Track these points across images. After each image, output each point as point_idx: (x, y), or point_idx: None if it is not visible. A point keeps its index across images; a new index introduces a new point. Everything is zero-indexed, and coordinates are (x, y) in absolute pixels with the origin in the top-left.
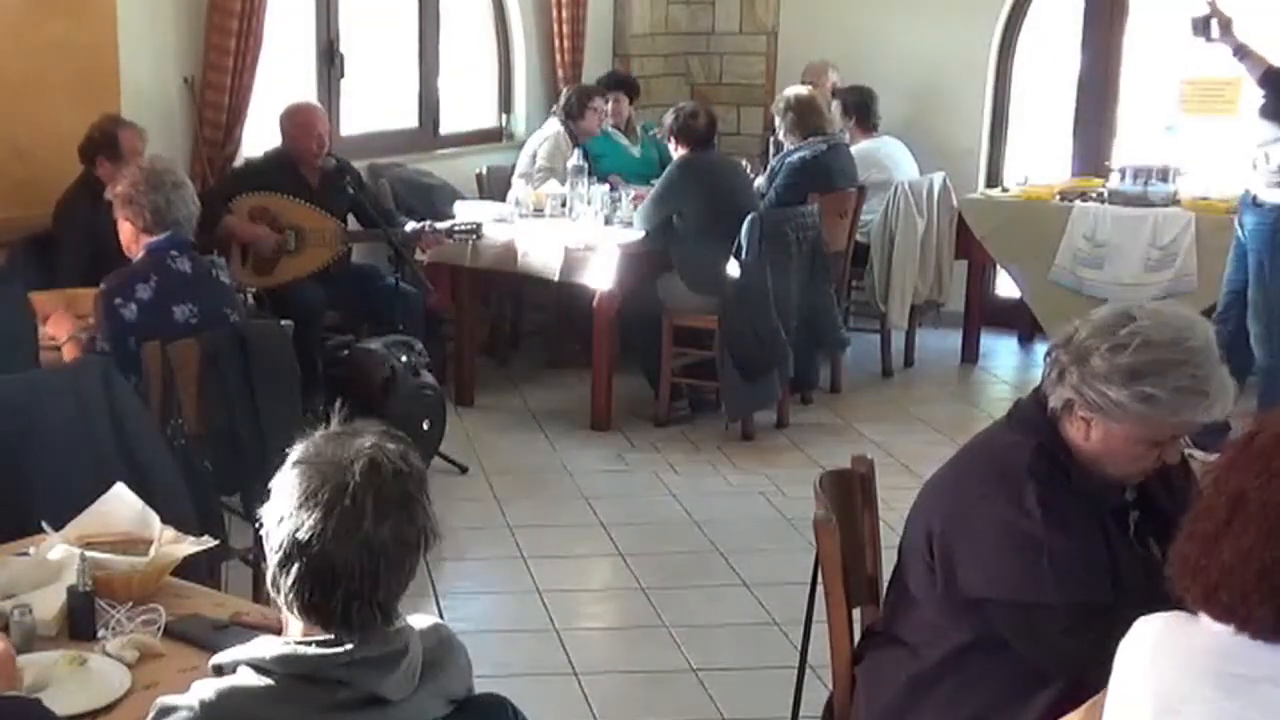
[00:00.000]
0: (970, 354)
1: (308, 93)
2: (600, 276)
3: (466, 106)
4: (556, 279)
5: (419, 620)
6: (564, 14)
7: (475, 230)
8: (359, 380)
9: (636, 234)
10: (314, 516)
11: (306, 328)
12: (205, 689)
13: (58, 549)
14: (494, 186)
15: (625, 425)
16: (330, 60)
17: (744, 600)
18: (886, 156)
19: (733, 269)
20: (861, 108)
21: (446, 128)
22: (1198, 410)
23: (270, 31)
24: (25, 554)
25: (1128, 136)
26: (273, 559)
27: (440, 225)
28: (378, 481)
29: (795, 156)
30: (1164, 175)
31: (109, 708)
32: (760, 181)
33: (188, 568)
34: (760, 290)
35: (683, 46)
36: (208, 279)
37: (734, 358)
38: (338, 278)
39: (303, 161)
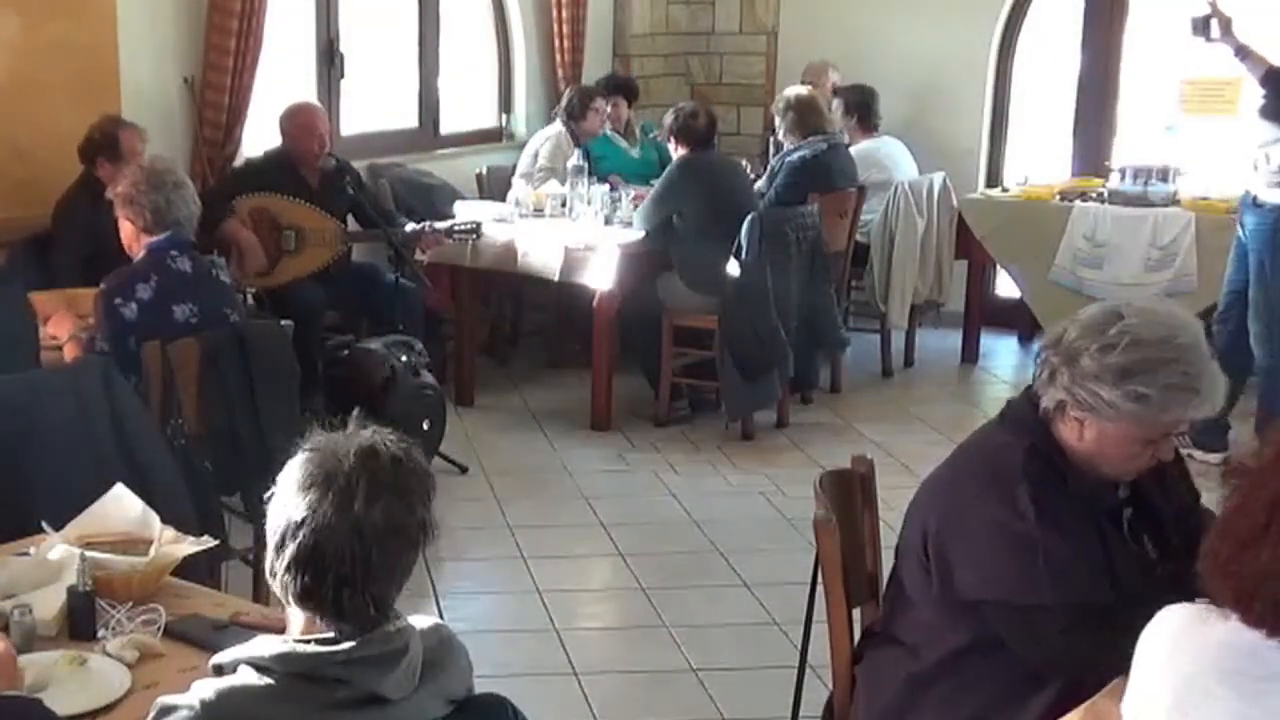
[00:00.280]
0: (970, 354)
1: (308, 93)
2: (600, 276)
3: (466, 106)
4: (556, 279)
5: (419, 620)
6: (564, 14)
7: (475, 230)
8: (359, 380)
9: (636, 234)
10: (308, 499)
11: (306, 328)
12: (205, 689)
13: (58, 549)
14: (494, 186)
15: (625, 425)
16: (330, 60)
17: (744, 600)
18: (886, 156)
19: (733, 269)
20: (863, 107)
21: (446, 128)
22: (1189, 407)
23: (270, 31)
24: (25, 554)
25: (1128, 136)
26: (270, 544)
27: (440, 225)
28: (373, 466)
29: (795, 156)
30: (1164, 175)
31: (109, 708)
32: (760, 182)
33: (188, 568)
34: (760, 290)
35: (683, 46)
36: (208, 279)
37: (734, 358)
38: (338, 278)
39: (303, 162)
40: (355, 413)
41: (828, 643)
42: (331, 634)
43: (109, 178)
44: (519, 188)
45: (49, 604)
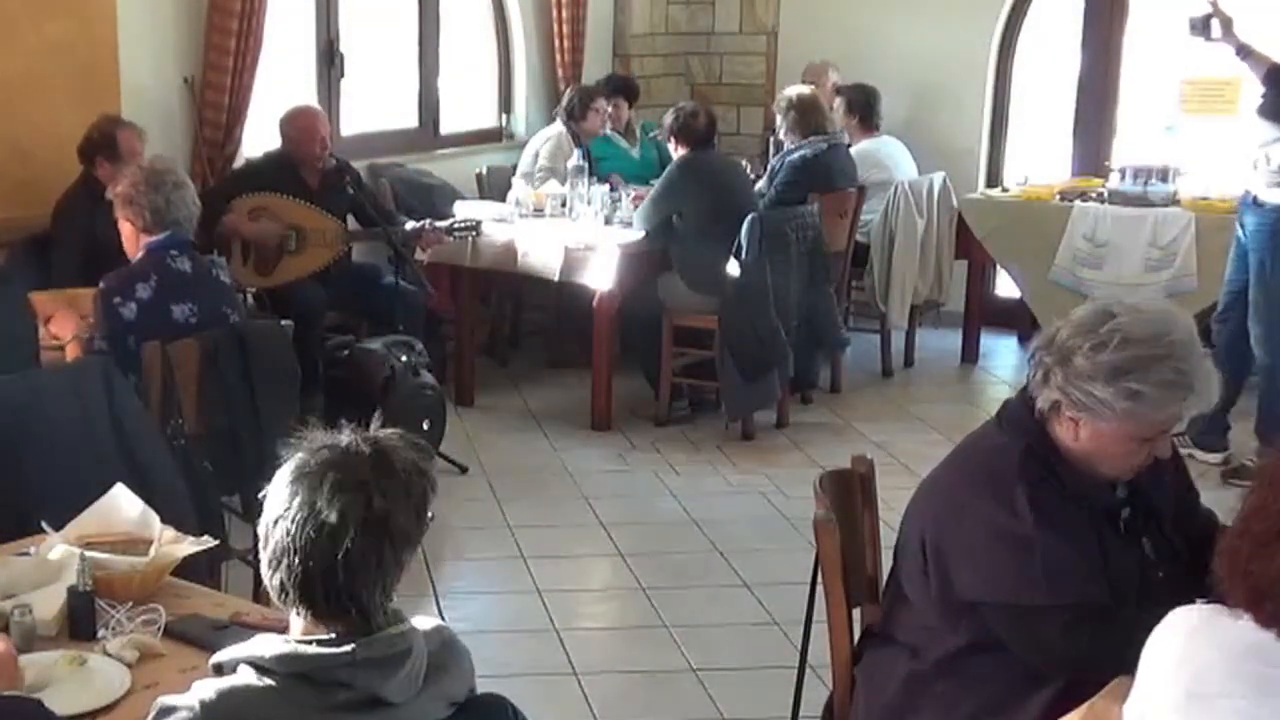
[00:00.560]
0: (970, 354)
1: (308, 93)
2: (600, 276)
3: (466, 106)
4: (556, 279)
5: (422, 622)
6: (564, 14)
7: (475, 227)
8: (359, 380)
9: (636, 234)
10: (282, 496)
11: (306, 328)
12: (205, 689)
13: (58, 549)
14: (494, 186)
15: (625, 425)
16: (330, 60)
17: (744, 600)
18: (887, 156)
19: (733, 269)
20: (865, 106)
21: (446, 128)
22: (1183, 404)
23: (270, 31)
24: (25, 554)
25: (1128, 136)
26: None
27: (440, 223)
28: (344, 463)
29: (795, 155)
30: (1164, 175)
31: (109, 708)
32: (761, 182)
33: (188, 568)
34: (760, 290)
35: (683, 47)
36: (207, 278)
37: (734, 358)
38: (338, 278)
39: (304, 163)
40: (376, 415)
41: (828, 643)
42: (332, 635)
43: (108, 178)
44: (519, 188)
45: (49, 604)
